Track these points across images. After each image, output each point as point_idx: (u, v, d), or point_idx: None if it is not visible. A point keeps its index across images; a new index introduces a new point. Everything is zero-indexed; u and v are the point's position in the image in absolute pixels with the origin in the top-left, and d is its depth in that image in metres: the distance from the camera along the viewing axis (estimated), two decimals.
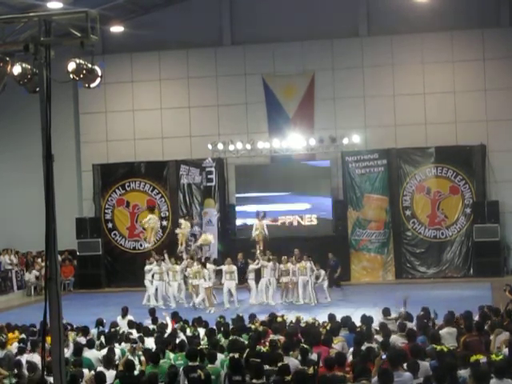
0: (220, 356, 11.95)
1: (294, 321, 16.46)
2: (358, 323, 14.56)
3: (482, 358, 10.45)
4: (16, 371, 11.98)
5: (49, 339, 8.46)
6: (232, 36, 31.14)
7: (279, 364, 10.66)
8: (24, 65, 8.10)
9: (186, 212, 29.70)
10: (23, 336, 15.41)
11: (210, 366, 11.47)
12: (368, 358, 10.69)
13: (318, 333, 13.54)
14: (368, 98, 29.73)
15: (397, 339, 12.71)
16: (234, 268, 24.26)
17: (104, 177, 30.86)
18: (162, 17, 30.67)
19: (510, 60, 28.84)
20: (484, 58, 29.06)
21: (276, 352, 11.60)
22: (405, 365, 10.05)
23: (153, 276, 24.81)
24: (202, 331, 15.39)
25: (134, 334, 15.10)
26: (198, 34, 30.57)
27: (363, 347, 11.78)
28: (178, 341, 13.64)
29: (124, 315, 17.91)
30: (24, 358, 12.83)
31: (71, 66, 8.16)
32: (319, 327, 15.11)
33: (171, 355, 12.57)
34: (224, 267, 24.39)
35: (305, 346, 12.07)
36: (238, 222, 29.82)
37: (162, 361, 11.83)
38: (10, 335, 15.62)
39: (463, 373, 9.86)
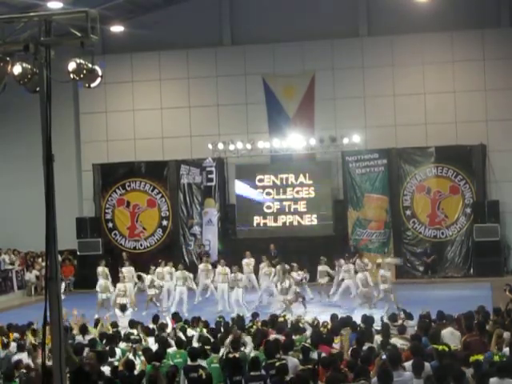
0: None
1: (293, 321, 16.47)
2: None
3: (482, 358, 10.45)
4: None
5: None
6: (232, 36, 31.16)
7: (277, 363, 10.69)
8: (24, 65, 8.09)
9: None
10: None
11: (214, 355, 11.53)
12: (369, 358, 10.69)
13: (319, 332, 13.57)
14: (368, 97, 29.74)
15: (396, 341, 12.71)
16: (228, 270, 23.98)
17: (104, 176, 30.87)
18: (162, 17, 30.68)
19: (510, 60, 28.84)
20: (484, 58, 29.07)
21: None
22: (408, 363, 10.03)
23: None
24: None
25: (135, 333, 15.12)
26: (197, 34, 30.58)
27: (364, 347, 11.79)
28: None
29: (123, 311, 18.08)
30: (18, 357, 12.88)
31: (71, 65, 8.15)
32: (319, 327, 15.13)
33: (171, 353, 12.58)
34: (218, 268, 24.21)
35: (307, 344, 12.10)
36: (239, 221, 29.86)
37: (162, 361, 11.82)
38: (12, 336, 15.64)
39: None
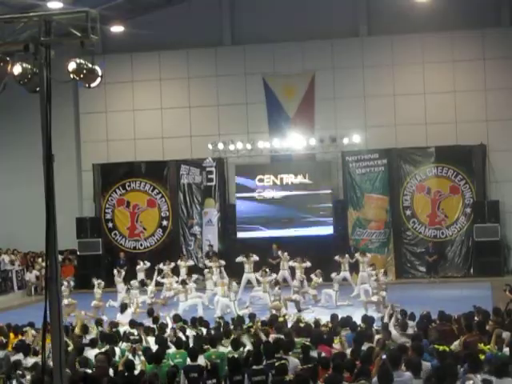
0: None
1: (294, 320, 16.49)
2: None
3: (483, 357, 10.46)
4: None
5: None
6: (232, 36, 31.16)
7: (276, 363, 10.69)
8: (24, 65, 8.09)
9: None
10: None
11: (212, 350, 11.49)
12: (369, 358, 10.68)
13: (320, 332, 13.57)
14: (368, 98, 29.74)
15: (398, 338, 12.73)
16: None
17: (104, 176, 30.88)
18: (162, 17, 30.66)
19: (510, 60, 28.83)
20: (484, 57, 29.06)
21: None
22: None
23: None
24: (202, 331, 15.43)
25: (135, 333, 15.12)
26: (198, 34, 30.58)
27: (364, 347, 11.78)
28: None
29: (123, 311, 18.08)
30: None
31: (71, 65, 8.15)
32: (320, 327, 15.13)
33: (171, 353, 12.58)
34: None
35: (307, 343, 12.10)
36: (239, 220, 29.87)
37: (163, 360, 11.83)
38: (12, 336, 15.64)
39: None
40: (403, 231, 29.12)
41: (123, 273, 24.79)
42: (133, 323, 16.14)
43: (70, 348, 13.22)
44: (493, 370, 9.47)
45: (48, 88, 7.90)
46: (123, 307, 18.66)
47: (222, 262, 25.41)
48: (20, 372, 11.68)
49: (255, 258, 24.91)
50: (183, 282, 22.86)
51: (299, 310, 21.82)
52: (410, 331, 13.50)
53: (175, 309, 20.85)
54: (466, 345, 11.86)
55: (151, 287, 23.40)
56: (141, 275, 25.52)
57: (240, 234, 29.52)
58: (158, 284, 24.40)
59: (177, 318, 16.93)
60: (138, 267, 26.06)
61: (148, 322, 16.78)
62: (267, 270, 23.55)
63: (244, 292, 24.46)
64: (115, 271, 25.10)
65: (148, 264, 25.99)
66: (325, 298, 23.36)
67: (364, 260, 25.09)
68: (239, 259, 24.96)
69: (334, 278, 23.41)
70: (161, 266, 25.28)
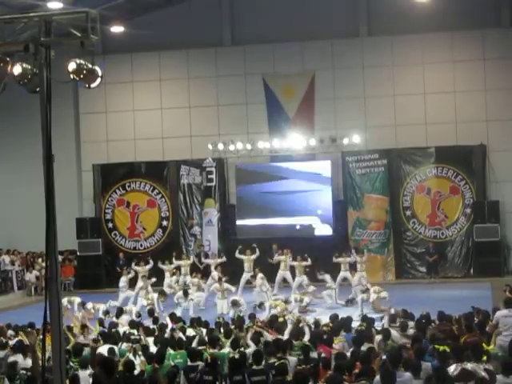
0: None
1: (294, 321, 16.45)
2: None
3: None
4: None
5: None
6: (232, 36, 31.17)
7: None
8: (24, 65, 8.09)
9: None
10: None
11: (211, 350, 11.48)
12: (369, 359, 10.68)
13: (319, 332, 13.57)
14: (368, 98, 29.73)
15: (398, 338, 12.73)
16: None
17: (104, 177, 30.88)
18: (162, 17, 30.67)
19: (510, 60, 28.82)
20: (484, 58, 29.06)
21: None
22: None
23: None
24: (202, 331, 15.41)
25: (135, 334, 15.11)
26: (198, 34, 30.58)
27: (364, 347, 11.78)
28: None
29: (118, 316, 18.04)
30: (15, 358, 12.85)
31: (71, 65, 8.15)
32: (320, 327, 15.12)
33: (171, 354, 12.58)
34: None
35: (307, 343, 12.11)
36: (238, 222, 29.87)
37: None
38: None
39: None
40: (403, 231, 29.12)
41: (130, 275, 24.74)
42: (133, 323, 16.14)
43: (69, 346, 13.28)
44: (499, 369, 9.48)
45: (48, 88, 7.90)
46: (118, 312, 18.55)
47: (220, 260, 25.62)
48: (23, 372, 11.67)
49: (255, 255, 24.99)
50: (183, 283, 22.96)
51: (301, 311, 21.83)
52: (410, 332, 13.50)
53: (175, 309, 20.84)
54: (466, 345, 11.85)
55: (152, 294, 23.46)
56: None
57: (240, 235, 29.53)
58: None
59: (176, 318, 16.94)
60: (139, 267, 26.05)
61: (148, 322, 16.78)
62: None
63: (244, 292, 24.43)
64: (122, 282, 24.80)
65: (150, 265, 25.83)
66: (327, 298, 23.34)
67: (362, 260, 25.06)
68: (239, 255, 25.08)
69: (331, 286, 23.39)
70: (160, 265, 25.49)
